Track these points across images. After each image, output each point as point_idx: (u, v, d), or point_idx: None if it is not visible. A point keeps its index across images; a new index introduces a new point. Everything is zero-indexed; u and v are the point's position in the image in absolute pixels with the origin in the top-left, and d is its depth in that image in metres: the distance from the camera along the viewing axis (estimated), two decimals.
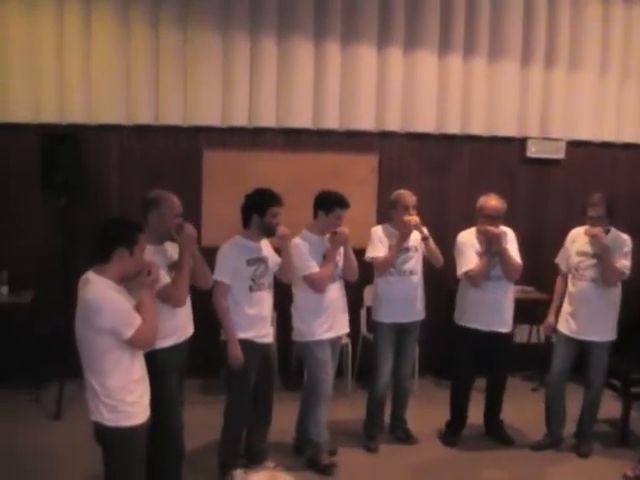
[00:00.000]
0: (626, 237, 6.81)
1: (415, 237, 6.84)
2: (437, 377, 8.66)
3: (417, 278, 6.93)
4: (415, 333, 7.07)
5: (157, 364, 4.90)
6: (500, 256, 6.82)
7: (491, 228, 6.76)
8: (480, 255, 6.86)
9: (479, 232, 6.90)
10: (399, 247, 6.75)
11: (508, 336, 7.12)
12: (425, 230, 6.89)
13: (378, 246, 6.81)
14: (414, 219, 6.72)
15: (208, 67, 8.14)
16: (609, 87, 9.13)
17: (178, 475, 5.49)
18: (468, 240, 6.96)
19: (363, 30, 8.39)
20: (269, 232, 5.98)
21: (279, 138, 8.50)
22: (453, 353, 7.28)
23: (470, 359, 7.07)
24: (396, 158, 8.75)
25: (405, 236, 6.75)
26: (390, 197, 6.95)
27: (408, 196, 6.84)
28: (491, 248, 6.80)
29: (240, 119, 8.30)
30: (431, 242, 6.90)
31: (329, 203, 6.35)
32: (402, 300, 6.85)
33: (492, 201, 6.87)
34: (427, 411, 7.64)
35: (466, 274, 6.90)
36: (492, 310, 6.91)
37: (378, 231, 6.92)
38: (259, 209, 5.96)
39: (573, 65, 9.00)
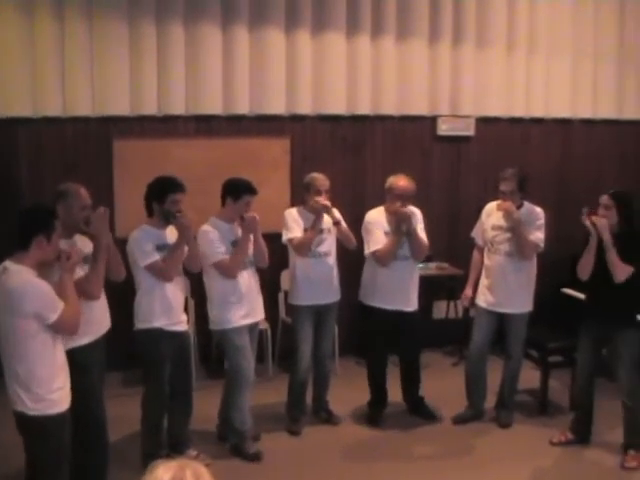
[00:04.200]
0: (539, 210, 6.94)
1: (328, 219, 6.85)
2: (358, 357, 8.67)
3: (332, 259, 6.96)
4: (333, 314, 7.10)
5: (76, 362, 4.85)
6: (409, 236, 6.86)
7: (402, 208, 6.79)
8: (388, 235, 6.90)
9: (388, 212, 6.94)
10: (316, 228, 6.75)
11: (414, 315, 7.16)
12: (336, 214, 6.91)
13: (294, 227, 6.80)
14: (324, 201, 6.72)
15: (115, 56, 7.96)
16: (517, 63, 9.22)
17: (104, 472, 5.44)
18: (376, 219, 7.00)
19: (271, 14, 8.31)
20: (169, 219, 5.92)
21: (190, 125, 8.40)
22: (363, 333, 7.33)
23: (380, 338, 7.11)
24: (308, 141, 8.72)
25: (319, 217, 6.75)
26: (304, 180, 6.95)
27: (321, 180, 6.85)
28: (401, 228, 6.84)
29: (150, 107, 8.16)
30: (342, 226, 6.93)
31: (237, 190, 6.30)
32: (318, 282, 6.86)
33: (401, 181, 6.91)
34: (349, 391, 7.65)
35: (374, 254, 6.92)
36: (397, 289, 6.96)
37: (292, 213, 6.91)
38: (158, 197, 5.94)
39: (480, 42, 9.07)
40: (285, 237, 6.84)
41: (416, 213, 7.02)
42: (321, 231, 6.82)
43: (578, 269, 6.35)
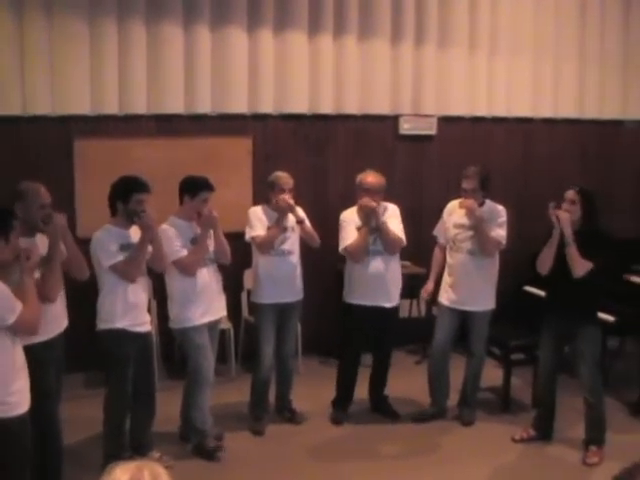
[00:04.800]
0: (501, 208, 6.99)
1: (292, 218, 6.86)
2: (322, 356, 8.67)
3: (295, 258, 6.96)
4: (296, 313, 7.10)
5: (32, 360, 4.78)
6: (379, 230, 6.88)
7: (366, 201, 6.82)
8: (359, 230, 6.92)
9: (358, 208, 6.95)
10: (279, 226, 6.76)
11: (393, 311, 7.19)
12: (300, 212, 6.93)
13: (257, 225, 6.81)
14: (286, 199, 6.73)
15: (76, 55, 7.86)
16: (479, 63, 9.27)
17: (58, 471, 5.42)
18: (349, 217, 7.03)
19: (232, 13, 8.28)
20: (133, 219, 5.88)
21: (152, 124, 8.33)
22: (341, 330, 7.34)
23: (357, 336, 7.13)
24: (270, 140, 8.69)
25: (283, 215, 6.76)
26: (268, 179, 6.94)
27: (284, 178, 6.86)
28: (370, 222, 6.85)
29: (111, 107, 8.09)
30: (306, 225, 6.95)
31: (193, 187, 6.32)
32: (281, 280, 6.87)
33: (369, 177, 6.96)
34: (313, 390, 7.67)
35: (345, 249, 6.96)
36: (375, 285, 6.98)
37: (256, 211, 6.93)
38: (123, 196, 5.89)
39: (442, 42, 9.10)
40: (248, 235, 6.84)
41: (389, 207, 7.06)
42: (285, 229, 6.83)
43: (538, 263, 6.39)
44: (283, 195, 6.74)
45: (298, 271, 7.00)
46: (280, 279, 6.86)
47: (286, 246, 6.87)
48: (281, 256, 6.86)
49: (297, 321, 7.22)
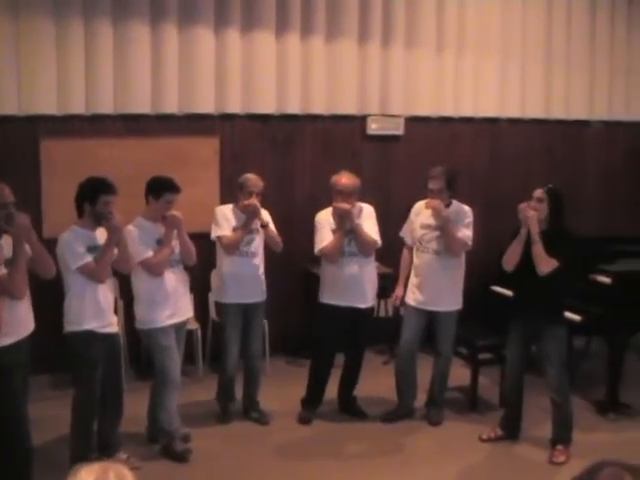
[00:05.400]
0: (467, 208, 7.02)
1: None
2: (290, 356, 8.67)
3: (259, 259, 6.99)
4: (260, 312, 7.11)
5: (1, 362, 4.75)
6: (354, 232, 6.89)
7: (340, 204, 6.82)
8: (334, 232, 6.93)
9: (333, 210, 6.97)
10: (247, 229, 6.78)
11: (368, 312, 7.20)
12: (265, 216, 6.94)
13: (224, 225, 6.82)
14: (256, 203, 6.73)
15: (42, 54, 7.79)
16: (446, 63, 9.27)
17: (28, 472, 5.36)
18: (325, 218, 7.03)
19: (200, 12, 8.24)
20: (100, 220, 5.84)
21: (119, 125, 8.27)
22: (310, 330, 7.35)
23: (331, 336, 7.11)
24: (238, 140, 8.67)
25: (251, 218, 6.76)
26: (238, 180, 6.95)
27: (254, 180, 6.88)
28: (344, 225, 6.86)
29: (77, 107, 8.02)
30: (270, 229, 6.96)
31: (158, 188, 6.29)
32: (245, 281, 6.89)
33: (343, 178, 6.95)
34: (280, 390, 7.65)
35: (321, 251, 6.97)
36: (350, 286, 6.98)
37: (223, 210, 6.94)
38: (90, 197, 5.83)
39: (410, 42, 9.09)
40: (214, 234, 6.86)
41: (364, 209, 7.09)
42: (250, 231, 6.84)
43: (504, 259, 6.43)
44: (252, 199, 6.74)
45: (261, 271, 7.02)
46: (244, 279, 6.88)
47: (251, 247, 6.89)
48: (245, 257, 6.88)
49: (262, 321, 7.25)
